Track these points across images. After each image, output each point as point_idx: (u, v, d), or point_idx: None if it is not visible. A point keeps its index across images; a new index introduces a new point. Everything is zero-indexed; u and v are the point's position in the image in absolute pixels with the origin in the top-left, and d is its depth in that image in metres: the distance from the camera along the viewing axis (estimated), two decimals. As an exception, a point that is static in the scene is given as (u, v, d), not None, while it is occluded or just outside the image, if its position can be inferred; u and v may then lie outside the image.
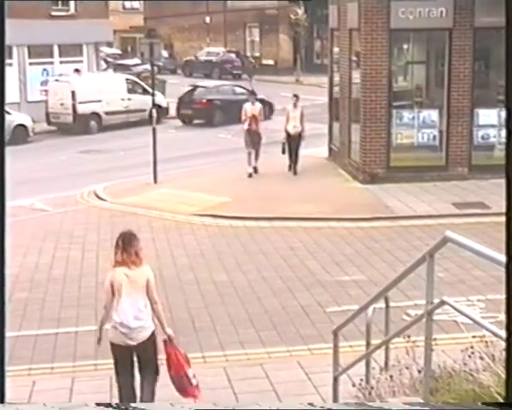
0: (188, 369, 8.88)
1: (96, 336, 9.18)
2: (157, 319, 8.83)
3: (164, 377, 9.05)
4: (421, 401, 6.01)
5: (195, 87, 38.49)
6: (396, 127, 21.65)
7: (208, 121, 35.69)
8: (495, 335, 5.57)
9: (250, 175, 23.08)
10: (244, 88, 37.42)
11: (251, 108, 23.63)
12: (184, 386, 8.87)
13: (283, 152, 23.52)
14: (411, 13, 20.75)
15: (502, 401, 5.04)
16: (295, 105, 23.59)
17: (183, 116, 36.90)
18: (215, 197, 20.55)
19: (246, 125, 23.42)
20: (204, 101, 36.09)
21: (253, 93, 24.34)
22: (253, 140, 23.38)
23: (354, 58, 22.67)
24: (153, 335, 8.77)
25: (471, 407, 5.31)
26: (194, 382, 8.86)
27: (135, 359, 8.85)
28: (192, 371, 8.90)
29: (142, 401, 8.86)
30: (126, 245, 8.71)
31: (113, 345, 8.81)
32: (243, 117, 23.75)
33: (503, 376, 5.48)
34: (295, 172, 23.18)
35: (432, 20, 20.81)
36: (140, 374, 8.87)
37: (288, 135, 23.40)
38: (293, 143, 23.29)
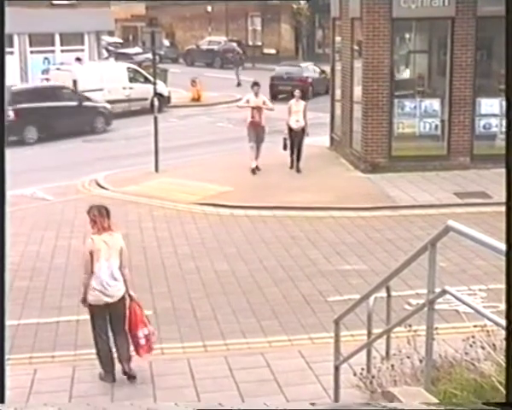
0: (142, 328, 9.91)
1: (80, 297, 10.04)
2: (124, 282, 9.94)
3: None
4: (423, 390, 6.00)
5: None
6: (398, 117, 21.62)
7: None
8: (496, 324, 5.57)
9: (253, 171, 21.90)
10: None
11: (254, 100, 22.28)
12: (135, 344, 9.91)
13: (285, 148, 22.28)
14: (413, 2, 20.70)
15: (503, 390, 5.03)
16: (298, 99, 22.42)
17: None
18: (216, 186, 20.54)
19: (249, 118, 22.17)
20: None
21: (256, 84, 22.74)
22: (257, 134, 22.12)
23: (356, 47, 22.63)
24: (124, 295, 9.88)
25: (472, 407, 5.30)
26: (142, 342, 9.88)
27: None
28: (147, 331, 9.94)
29: (119, 357, 9.86)
30: (104, 215, 9.80)
31: (92, 306, 9.85)
32: (241, 104, 23.15)
33: (504, 365, 5.47)
34: (298, 170, 21.95)
35: (434, 9, 20.76)
36: (113, 332, 9.87)
37: (291, 130, 22.19)
38: (295, 139, 22.05)
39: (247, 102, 22.44)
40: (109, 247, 9.73)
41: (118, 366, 9.91)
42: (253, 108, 22.12)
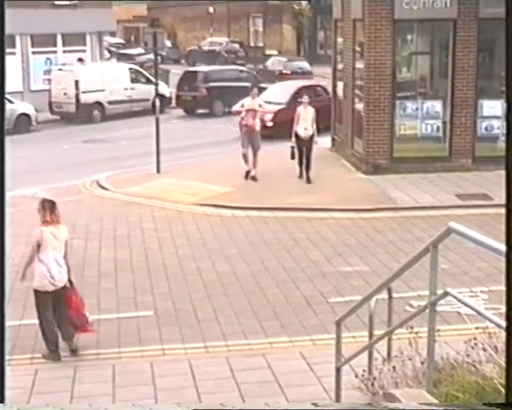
0: (84, 309, 11.09)
1: (20, 275, 11.03)
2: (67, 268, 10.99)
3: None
4: (424, 392, 6.00)
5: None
6: (399, 118, 21.60)
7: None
8: (498, 326, 5.56)
9: (252, 177, 20.99)
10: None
11: (250, 103, 21.35)
12: (83, 323, 10.98)
13: (292, 157, 21.04)
14: (415, 3, 20.70)
15: (504, 391, 5.02)
16: (306, 105, 21.09)
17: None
18: (218, 187, 20.53)
19: (243, 122, 21.13)
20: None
21: (255, 86, 22.42)
22: (251, 140, 21.08)
23: (358, 49, 22.62)
24: (67, 282, 10.96)
25: (472, 407, 5.30)
26: (89, 320, 11.09)
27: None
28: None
29: (63, 336, 10.83)
30: (53, 209, 10.81)
31: (38, 292, 10.77)
32: (236, 108, 21.97)
33: (505, 366, 5.47)
34: (308, 180, 20.73)
35: (436, 11, 20.75)
36: (57, 315, 10.77)
37: (298, 138, 20.90)
38: (304, 148, 20.84)
39: (242, 106, 21.45)
40: (56, 238, 10.72)
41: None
42: (248, 110, 21.12)
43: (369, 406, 5.73)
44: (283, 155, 21.74)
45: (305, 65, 49.10)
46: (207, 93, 35.74)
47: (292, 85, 31.39)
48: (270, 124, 27.24)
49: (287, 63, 48.55)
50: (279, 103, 28.95)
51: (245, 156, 21.19)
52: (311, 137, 20.97)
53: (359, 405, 5.90)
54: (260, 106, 21.62)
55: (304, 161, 20.98)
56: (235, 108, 22.25)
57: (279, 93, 30.07)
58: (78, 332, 11.01)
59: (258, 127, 21.26)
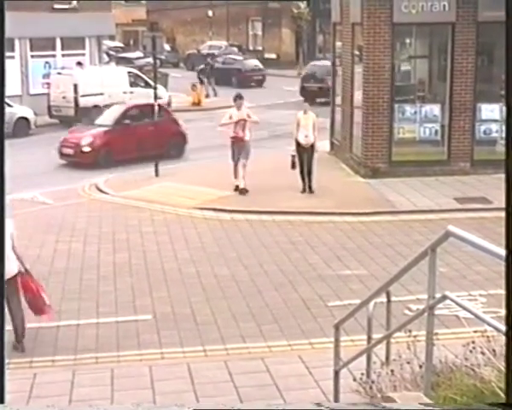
0: (42, 292, 11.31)
1: None
2: (18, 259, 11.13)
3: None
4: (423, 395, 6.00)
5: None
6: (398, 122, 21.62)
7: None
8: (496, 329, 5.57)
9: (240, 191, 20.03)
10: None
11: (237, 114, 20.29)
12: (40, 306, 11.23)
13: (293, 167, 20.20)
14: (414, 7, 20.72)
15: (503, 395, 5.03)
16: (306, 110, 20.33)
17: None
18: (216, 191, 20.53)
19: (231, 133, 20.21)
20: None
21: (239, 97, 20.68)
22: (240, 150, 20.12)
23: (357, 52, 22.64)
24: (18, 272, 11.07)
25: (472, 407, 5.30)
26: (47, 302, 11.28)
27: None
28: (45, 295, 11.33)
29: (15, 328, 11.01)
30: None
31: None
32: (224, 121, 20.68)
33: (504, 366, 5.47)
34: (311, 191, 19.93)
35: (434, 15, 20.77)
36: (9, 307, 10.73)
37: (299, 146, 20.04)
38: (305, 157, 19.91)
39: (230, 117, 20.42)
40: None
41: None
42: (236, 122, 20.18)
43: (372, 406, 5.73)
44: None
45: (257, 63, 52.24)
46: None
47: (120, 107, 28.22)
48: (86, 149, 25.40)
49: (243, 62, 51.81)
50: (104, 125, 26.57)
51: (235, 168, 20.30)
52: (313, 145, 20.06)
53: (361, 404, 5.90)
54: (249, 116, 20.49)
55: (305, 170, 20.02)
56: (224, 121, 20.81)
57: (107, 114, 27.64)
58: (45, 311, 11.29)
59: (247, 137, 20.26)
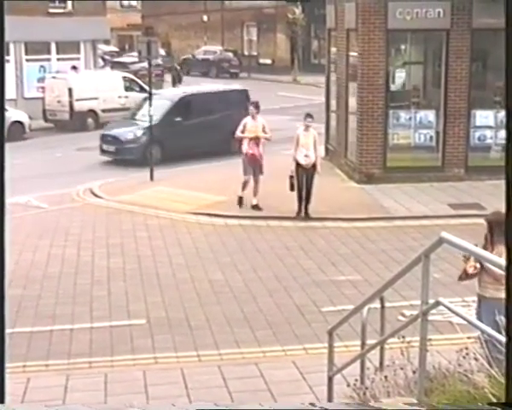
0: None
1: None
2: None
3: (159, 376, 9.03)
4: (415, 401, 6.01)
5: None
6: (393, 128, 21.66)
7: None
8: (489, 335, 5.58)
9: (240, 201, 19.28)
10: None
11: (252, 125, 19.03)
12: None
13: (292, 189, 18.41)
14: (408, 13, 20.76)
15: (495, 401, 5.04)
16: (307, 128, 18.54)
17: None
18: (211, 196, 20.53)
19: (246, 147, 19.00)
20: None
21: (254, 104, 19.60)
22: (255, 168, 19.02)
23: (351, 58, 22.67)
24: None
25: (472, 407, 5.31)
26: None
27: None
28: None
29: None
30: None
31: None
32: (238, 133, 19.28)
33: (497, 377, 5.49)
34: (307, 215, 18.41)
35: (429, 21, 20.82)
36: None
37: (298, 166, 18.31)
38: (304, 178, 18.27)
39: (244, 127, 19.17)
40: None
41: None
42: (250, 139, 19.03)
43: (364, 406, 5.74)
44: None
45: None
46: None
47: None
48: None
49: None
50: None
51: (245, 183, 19.21)
52: (314, 165, 18.38)
53: (354, 405, 5.91)
54: (264, 130, 19.22)
55: (304, 192, 18.45)
56: (238, 133, 19.35)
57: None
58: None
59: (261, 152, 19.20)
